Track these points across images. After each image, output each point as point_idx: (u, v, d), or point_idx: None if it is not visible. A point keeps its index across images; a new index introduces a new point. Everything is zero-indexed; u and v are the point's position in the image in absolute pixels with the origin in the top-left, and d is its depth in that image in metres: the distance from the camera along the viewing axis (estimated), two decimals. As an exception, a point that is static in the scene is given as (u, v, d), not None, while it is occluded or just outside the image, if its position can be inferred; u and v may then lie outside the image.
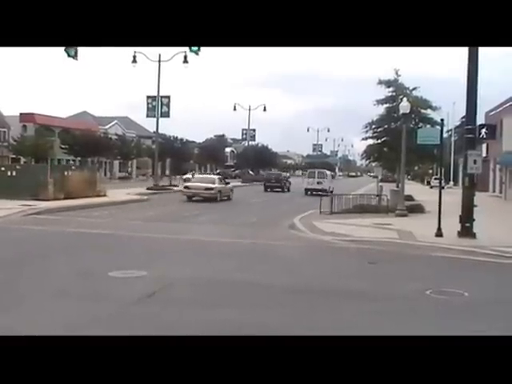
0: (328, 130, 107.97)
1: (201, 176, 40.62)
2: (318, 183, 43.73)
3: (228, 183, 37.31)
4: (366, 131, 28.35)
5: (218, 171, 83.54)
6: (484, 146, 43.61)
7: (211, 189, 32.29)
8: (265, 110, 68.76)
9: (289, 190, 48.18)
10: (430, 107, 27.43)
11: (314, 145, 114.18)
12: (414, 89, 27.67)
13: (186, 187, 33.73)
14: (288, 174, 60.23)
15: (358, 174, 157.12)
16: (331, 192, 35.11)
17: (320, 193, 36.30)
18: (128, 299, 8.13)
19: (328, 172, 49.02)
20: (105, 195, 29.98)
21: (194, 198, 31.80)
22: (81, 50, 28.25)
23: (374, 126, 28.06)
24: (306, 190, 43.65)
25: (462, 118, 46.37)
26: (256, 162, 77.15)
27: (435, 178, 61.03)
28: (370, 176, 63.59)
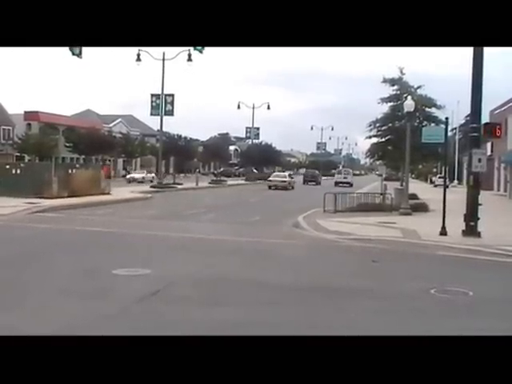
0: (332, 129, 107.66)
1: (277, 173, 59.85)
2: (344, 178, 65.19)
3: (292, 178, 56.09)
4: (370, 130, 28.25)
5: (221, 169, 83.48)
6: (489, 144, 43.48)
7: (285, 181, 50.64)
8: (268, 108, 68.56)
9: (320, 184, 63.41)
10: (435, 106, 27.32)
11: (318, 143, 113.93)
12: (419, 87, 27.56)
13: (269, 180, 52.00)
14: (318, 172, 76.09)
15: (362, 172, 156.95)
16: (352, 184, 57.69)
17: (345, 185, 57.71)
18: (132, 297, 8.14)
19: (350, 170, 75.45)
20: (109, 193, 30.06)
21: (272, 188, 48.62)
22: (85, 48, 28.31)
23: (378, 125, 27.95)
24: (336, 182, 62.27)
25: (467, 116, 46.25)
26: (260, 161, 77.03)
27: (440, 177, 60.98)
28: (376, 174, 66.21)
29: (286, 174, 57.79)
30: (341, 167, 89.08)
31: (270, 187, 49.23)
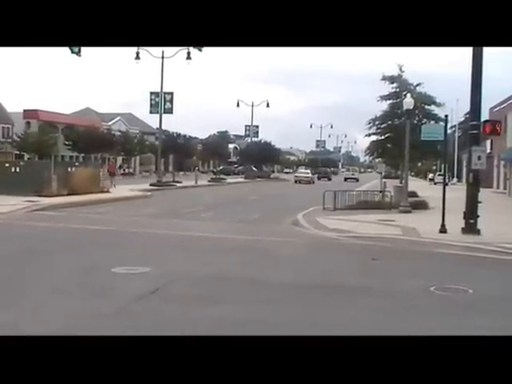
0: (331, 127, 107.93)
1: (301, 170, 75.13)
2: (352, 174, 79.56)
3: (313, 174, 72.14)
4: (370, 127, 28.31)
5: (220, 168, 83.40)
6: (488, 142, 43.51)
7: (308, 177, 64.60)
8: (268, 106, 68.54)
9: (331, 180, 74.21)
10: (434, 103, 27.36)
11: (317, 141, 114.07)
12: (418, 85, 27.58)
13: (296, 176, 66.17)
14: (329, 170, 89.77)
15: (363, 170, 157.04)
16: (358, 180, 71.86)
17: (353, 180, 71.63)
18: (131, 295, 8.14)
19: (357, 168, 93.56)
20: (108, 191, 30.07)
21: (298, 182, 60.83)
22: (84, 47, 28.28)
23: (377, 122, 28.00)
24: (345, 178, 75.52)
25: (466, 114, 46.24)
26: (259, 159, 76.94)
27: (439, 175, 61.02)
28: (377, 172, 68.04)
29: (308, 171, 73.59)
30: (340, 165, 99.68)
31: (295, 181, 61.71)
